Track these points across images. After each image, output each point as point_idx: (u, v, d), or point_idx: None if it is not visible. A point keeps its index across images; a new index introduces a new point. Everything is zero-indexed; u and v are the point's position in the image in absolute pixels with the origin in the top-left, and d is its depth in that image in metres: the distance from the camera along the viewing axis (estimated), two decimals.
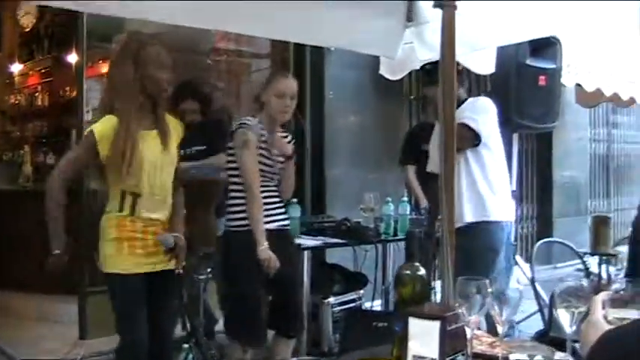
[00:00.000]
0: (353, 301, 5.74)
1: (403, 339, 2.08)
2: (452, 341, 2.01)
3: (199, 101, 5.52)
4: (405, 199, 5.52)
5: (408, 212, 5.44)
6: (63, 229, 3.43)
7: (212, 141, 5.32)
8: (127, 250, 3.47)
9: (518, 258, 5.84)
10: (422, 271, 2.22)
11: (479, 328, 2.13)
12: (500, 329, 2.04)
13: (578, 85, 7.23)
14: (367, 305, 5.97)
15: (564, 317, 1.97)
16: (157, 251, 3.52)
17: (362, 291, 5.80)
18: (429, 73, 4.46)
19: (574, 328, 1.96)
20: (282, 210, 4.40)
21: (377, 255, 5.77)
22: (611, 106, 10.59)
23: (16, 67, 10.56)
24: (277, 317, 4.37)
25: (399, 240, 5.51)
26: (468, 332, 2.03)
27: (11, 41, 10.38)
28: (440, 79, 3.46)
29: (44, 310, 6.69)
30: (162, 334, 3.63)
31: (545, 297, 5.16)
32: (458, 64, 4.69)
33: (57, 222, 3.41)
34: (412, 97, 7.80)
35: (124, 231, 3.48)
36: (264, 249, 4.11)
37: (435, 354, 1.99)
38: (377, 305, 6.05)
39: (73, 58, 8.09)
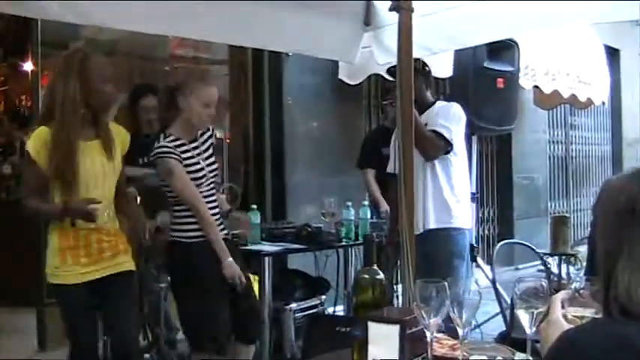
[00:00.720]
0: (315, 306, 5.71)
1: (363, 344, 2.06)
2: (412, 345, 2.00)
3: (158, 99, 5.44)
4: (366, 203, 5.51)
5: (368, 216, 5.42)
6: None
7: None
8: (70, 260, 3.42)
9: (479, 260, 5.84)
10: (380, 275, 2.19)
11: (440, 331, 2.11)
12: (460, 331, 2.03)
13: (536, 87, 7.29)
14: (330, 310, 5.94)
15: (524, 318, 1.96)
16: (101, 257, 3.47)
17: (324, 296, 5.78)
18: (393, 75, 4.43)
19: (534, 328, 1.95)
20: (220, 220, 4.27)
21: (338, 260, 5.75)
22: (569, 108, 10.70)
23: None
24: (235, 323, 4.28)
25: (360, 244, 5.48)
26: (428, 335, 2.02)
27: None
28: (397, 82, 3.46)
29: (2, 322, 6.57)
30: (124, 339, 3.57)
31: (507, 298, 5.18)
32: (425, 64, 4.71)
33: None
34: (371, 102, 7.83)
35: (66, 240, 3.43)
36: (229, 264, 4.05)
37: (396, 358, 1.98)
38: (339, 310, 6.03)
39: (28, 66, 7.98)
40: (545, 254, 5.83)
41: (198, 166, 4.09)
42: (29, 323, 5.91)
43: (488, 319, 5.47)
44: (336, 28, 5.11)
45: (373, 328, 2.02)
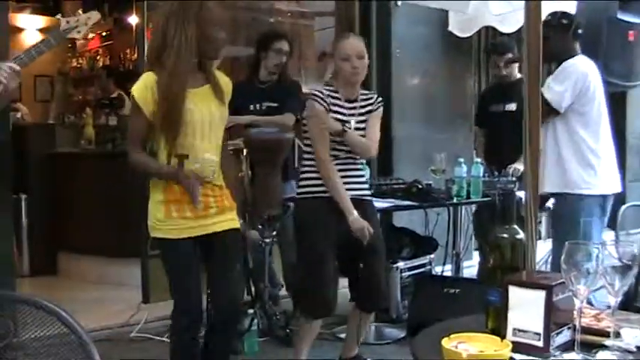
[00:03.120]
0: (423, 266, 5.54)
1: (501, 310, 1.87)
2: (558, 314, 1.80)
3: (289, 42, 5.37)
4: (478, 160, 5.26)
5: (481, 174, 5.18)
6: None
7: (284, 100, 5.15)
8: (175, 214, 3.30)
9: None
10: (520, 235, 1.99)
11: (589, 302, 1.89)
12: (612, 301, 1.82)
13: None
14: (438, 270, 5.77)
15: None
16: (207, 214, 3.34)
17: (432, 256, 5.59)
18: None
19: None
20: (361, 179, 4.18)
21: (449, 219, 5.55)
22: None
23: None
24: (359, 291, 4.21)
25: (473, 202, 5.29)
26: (577, 304, 1.81)
27: (72, 5, 10.34)
28: (525, 30, 3.20)
29: (107, 274, 6.65)
30: (227, 299, 3.46)
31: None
32: (564, 15, 4.49)
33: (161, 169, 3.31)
34: (481, 56, 7.54)
35: (172, 193, 3.30)
36: (354, 218, 3.96)
37: (539, 327, 1.79)
38: (447, 271, 5.85)
39: (133, 19, 7.99)
40: None
41: (347, 125, 4.05)
42: (133, 275, 5.93)
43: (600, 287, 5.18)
44: None
45: (515, 293, 1.82)
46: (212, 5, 3.33)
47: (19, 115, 8.31)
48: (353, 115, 4.10)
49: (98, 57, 10.45)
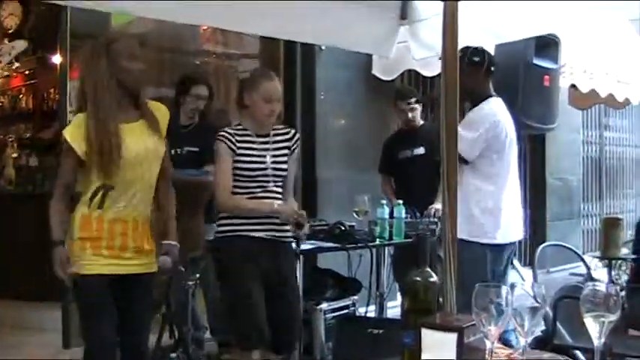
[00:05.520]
0: (347, 307, 5.56)
1: (415, 352, 1.90)
2: (470, 355, 1.84)
3: (209, 87, 5.38)
4: (400, 201, 5.32)
5: (403, 215, 5.25)
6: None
7: (206, 145, 5.14)
8: (90, 250, 3.27)
9: (515, 262, 5.67)
10: (434, 278, 2.04)
11: (507, 341, 1.94)
12: (522, 341, 1.86)
13: (573, 86, 7.10)
14: (361, 311, 5.79)
15: (592, 327, 1.81)
16: (124, 254, 3.31)
17: (356, 297, 5.62)
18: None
19: (603, 339, 1.79)
20: (278, 220, 4.16)
21: (372, 260, 5.59)
22: (603, 108, 10.49)
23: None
24: (275, 330, 4.13)
25: (395, 244, 5.34)
26: (488, 345, 1.86)
27: None
28: (442, 75, 3.29)
29: (26, 319, 6.49)
30: (133, 345, 3.42)
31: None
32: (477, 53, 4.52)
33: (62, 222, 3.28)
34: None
35: (87, 231, 3.28)
36: (278, 206, 4.06)
37: None
38: (371, 311, 5.88)
39: (57, 59, 7.90)
40: (596, 257, 5.62)
41: (259, 159, 4.07)
42: (54, 319, 5.81)
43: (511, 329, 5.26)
44: (371, 21, 4.97)
45: (427, 335, 1.86)
46: (121, 38, 3.35)
47: None
48: (267, 149, 4.12)
49: (21, 96, 10.26)
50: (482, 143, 4.36)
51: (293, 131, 4.29)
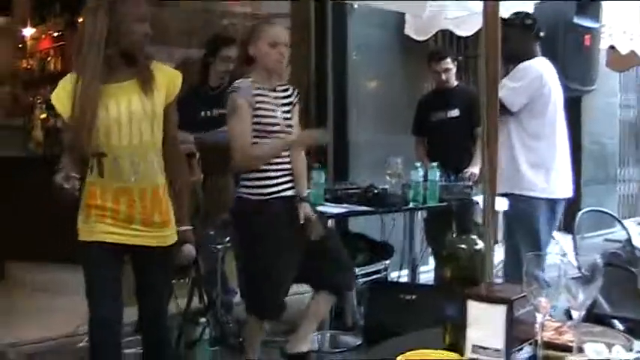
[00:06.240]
0: (378, 272, 5.47)
1: (459, 325, 1.78)
2: (519, 329, 1.71)
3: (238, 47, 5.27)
4: (435, 164, 5.18)
5: (437, 179, 5.11)
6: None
7: None
8: (94, 217, 3.14)
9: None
10: (479, 245, 1.90)
11: (550, 315, 1.80)
12: (575, 314, 1.73)
13: (611, 47, 6.88)
14: (393, 276, 5.70)
15: None
16: (130, 225, 3.16)
17: (388, 262, 5.52)
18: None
19: None
20: (290, 178, 4.03)
21: (405, 224, 5.47)
22: None
23: (28, 32, 10.35)
24: (321, 274, 4.08)
25: (429, 208, 5.21)
26: (538, 318, 1.72)
27: (23, 5, 10.14)
28: (483, 29, 3.13)
29: (55, 281, 6.46)
30: (151, 316, 3.34)
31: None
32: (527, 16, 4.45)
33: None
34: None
35: (93, 198, 3.14)
36: (293, 139, 3.99)
37: (500, 344, 1.69)
38: (404, 276, 5.78)
39: None
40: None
41: (272, 114, 3.95)
42: (82, 282, 5.73)
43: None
44: None
45: (473, 307, 1.73)
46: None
47: None
48: (277, 105, 4.00)
49: (49, 58, 10.22)
50: (525, 95, 4.36)
51: (292, 87, 4.15)
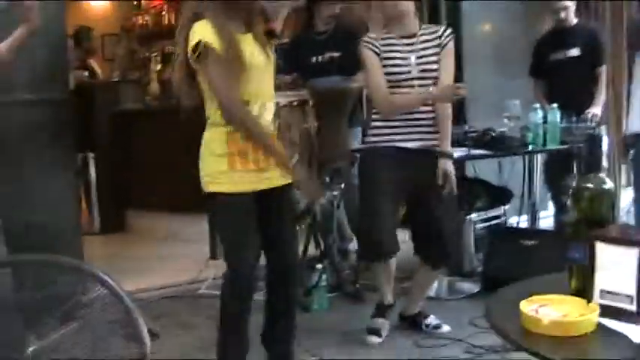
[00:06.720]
0: (497, 217, 5.32)
1: (586, 269, 1.67)
2: None
3: None
4: (555, 105, 4.97)
5: (558, 120, 4.90)
6: None
7: (347, 49, 4.92)
8: (239, 165, 3.11)
9: None
10: (608, 185, 1.77)
11: None
12: None
13: None
14: (512, 222, 5.55)
15: None
16: (269, 166, 3.15)
17: (506, 207, 5.36)
18: None
19: None
20: (429, 128, 3.94)
21: (524, 168, 5.31)
22: None
23: None
24: (424, 246, 4.04)
25: (549, 150, 5.02)
26: None
27: None
28: None
29: (175, 230, 6.63)
30: (286, 255, 3.30)
31: None
32: None
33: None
34: None
35: (234, 145, 3.10)
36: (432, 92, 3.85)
37: (632, 289, 1.59)
38: (523, 222, 5.63)
39: None
40: None
41: (402, 62, 3.87)
42: (202, 231, 5.85)
43: None
44: None
45: (602, 250, 1.62)
46: None
47: (86, 73, 8.28)
48: (412, 51, 3.89)
49: (163, 13, 10.36)
50: None
51: (442, 27, 4.04)
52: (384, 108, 3.93)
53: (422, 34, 3.93)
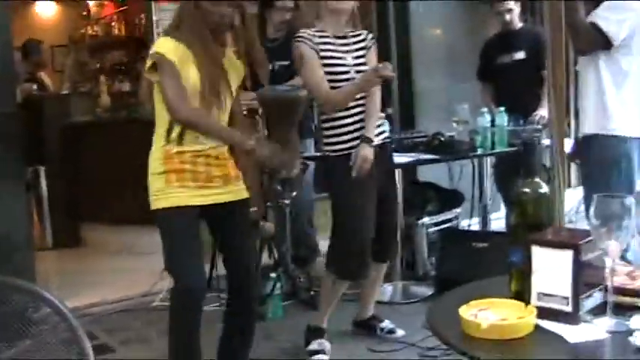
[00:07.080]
0: (449, 220, 5.40)
1: (524, 272, 1.71)
2: (587, 274, 1.64)
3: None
4: (502, 109, 5.05)
5: (505, 123, 4.98)
6: None
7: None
8: (176, 182, 3.13)
9: None
10: (544, 189, 1.82)
11: (622, 258, 1.72)
12: None
13: None
14: (464, 225, 5.61)
15: None
16: (211, 184, 3.17)
17: (458, 210, 5.43)
18: None
19: None
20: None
21: (473, 171, 5.37)
22: None
23: None
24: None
25: (497, 153, 5.09)
26: (608, 262, 1.64)
27: None
28: None
29: (128, 243, 6.57)
30: (241, 271, 3.31)
31: None
32: None
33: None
34: None
35: (171, 163, 3.13)
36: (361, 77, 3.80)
37: (567, 291, 1.62)
38: (475, 224, 5.69)
39: None
40: None
41: (341, 62, 3.85)
42: (156, 243, 5.79)
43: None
44: None
45: (538, 253, 1.66)
46: None
47: (35, 86, 8.19)
48: (348, 51, 3.89)
49: (113, 24, 10.30)
50: (628, 26, 3.99)
51: (365, 32, 4.03)
52: (327, 104, 3.88)
53: (352, 36, 3.94)
